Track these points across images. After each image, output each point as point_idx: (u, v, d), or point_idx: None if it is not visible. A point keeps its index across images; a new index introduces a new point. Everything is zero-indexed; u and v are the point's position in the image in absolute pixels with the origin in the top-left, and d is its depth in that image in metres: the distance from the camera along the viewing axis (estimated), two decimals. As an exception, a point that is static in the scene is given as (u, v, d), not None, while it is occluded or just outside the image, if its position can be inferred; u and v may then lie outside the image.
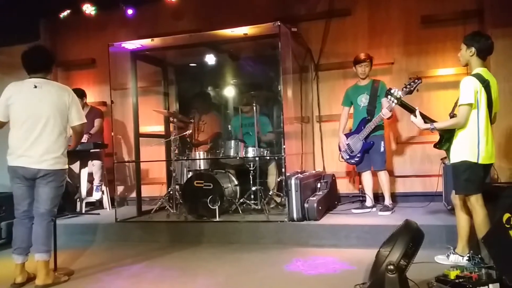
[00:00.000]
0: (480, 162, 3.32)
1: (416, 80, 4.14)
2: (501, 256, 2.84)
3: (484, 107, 3.32)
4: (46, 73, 3.53)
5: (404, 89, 4.08)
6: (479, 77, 3.31)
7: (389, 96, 3.84)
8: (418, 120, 3.53)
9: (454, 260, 3.47)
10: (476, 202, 3.34)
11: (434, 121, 3.53)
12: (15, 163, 3.41)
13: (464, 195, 3.43)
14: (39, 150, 3.38)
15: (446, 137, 3.53)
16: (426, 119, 3.56)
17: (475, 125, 3.32)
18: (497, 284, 2.74)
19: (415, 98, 4.43)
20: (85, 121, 3.67)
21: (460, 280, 2.77)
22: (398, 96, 3.80)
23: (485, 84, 3.31)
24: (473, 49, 3.37)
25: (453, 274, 2.82)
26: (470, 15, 5.47)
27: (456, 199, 3.54)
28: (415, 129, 5.65)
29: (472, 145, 3.32)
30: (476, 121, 3.32)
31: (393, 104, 3.94)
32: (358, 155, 5.01)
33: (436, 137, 3.72)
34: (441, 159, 5.02)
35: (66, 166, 3.58)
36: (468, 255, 3.43)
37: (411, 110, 3.64)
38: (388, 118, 4.84)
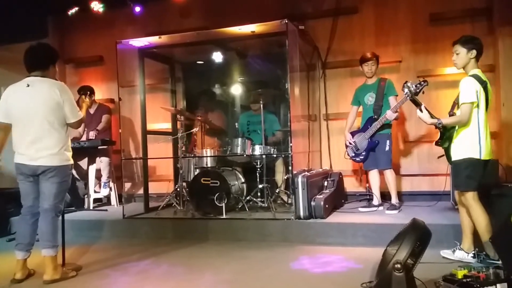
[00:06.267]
0: (482, 158, 3.41)
1: (423, 82, 4.12)
2: (509, 256, 2.83)
3: (483, 106, 3.45)
4: (42, 71, 3.51)
5: (418, 85, 4.03)
6: (478, 78, 3.44)
7: (405, 89, 3.86)
8: (424, 115, 3.58)
9: (460, 256, 3.54)
10: (472, 198, 3.42)
11: (437, 118, 3.58)
12: (17, 160, 3.50)
13: (463, 191, 3.48)
14: (34, 148, 3.43)
15: (447, 135, 3.61)
16: (430, 115, 3.61)
17: (476, 123, 3.42)
18: (505, 284, 2.73)
19: (423, 96, 4.40)
20: (80, 117, 3.61)
21: (468, 279, 2.76)
22: (413, 91, 3.82)
23: (484, 85, 3.44)
24: (474, 52, 3.49)
25: (460, 274, 2.81)
26: (478, 13, 5.43)
27: (459, 196, 3.61)
28: (423, 128, 5.63)
29: (474, 142, 3.42)
30: (476, 119, 3.42)
31: (408, 98, 3.92)
32: (363, 153, 5.01)
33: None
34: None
35: (68, 162, 3.55)
36: (473, 252, 3.49)
37: (418, 105, 3.68)
38: (395, 119, 4.83)
